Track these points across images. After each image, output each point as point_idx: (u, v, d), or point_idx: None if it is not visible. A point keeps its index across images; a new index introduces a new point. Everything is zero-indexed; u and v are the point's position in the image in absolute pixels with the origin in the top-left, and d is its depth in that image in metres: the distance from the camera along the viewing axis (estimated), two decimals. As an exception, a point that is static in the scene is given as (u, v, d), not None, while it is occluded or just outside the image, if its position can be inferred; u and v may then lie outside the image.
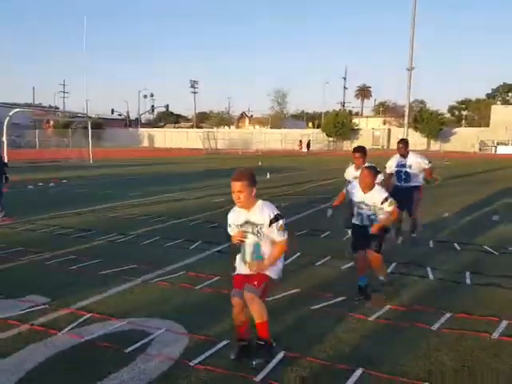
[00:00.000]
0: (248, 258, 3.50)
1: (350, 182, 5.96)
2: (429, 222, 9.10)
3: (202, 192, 13.94)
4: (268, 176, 19.09)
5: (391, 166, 7.55)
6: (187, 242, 7.14)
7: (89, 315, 4.28)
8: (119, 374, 3.24)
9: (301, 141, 55.56)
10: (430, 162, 7.48)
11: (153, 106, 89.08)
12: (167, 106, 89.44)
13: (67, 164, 27.63)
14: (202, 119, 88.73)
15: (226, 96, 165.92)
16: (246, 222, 3.46)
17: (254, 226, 3.43)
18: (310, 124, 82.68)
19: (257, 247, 3.47)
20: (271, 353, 3.46)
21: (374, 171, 4.86)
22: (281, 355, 3.49)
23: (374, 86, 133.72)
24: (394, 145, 56.30)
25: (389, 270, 5.70)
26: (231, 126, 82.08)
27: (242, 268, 3.58)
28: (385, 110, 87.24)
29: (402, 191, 7.15)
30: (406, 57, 52.81)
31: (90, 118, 39.42)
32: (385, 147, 55.61)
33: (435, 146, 53.90)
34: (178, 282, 5.26)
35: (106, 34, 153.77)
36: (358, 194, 4.88)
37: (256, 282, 3.40)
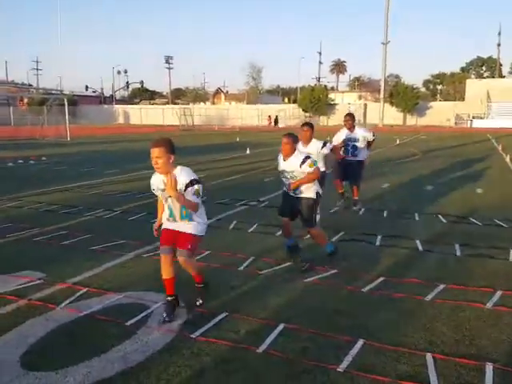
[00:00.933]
0: (176, 218, 3.91)
1: None
2: (412, 195, 9.33)
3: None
4: (248, 151, 19.10)
5: (339, 139, 7.82)
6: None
7: (85, 289, 4.30)
8: (122, 346, 3.29)
9: (269, 116, 55.72)
10: (373, 135, 8.00)
11: (127, 83, 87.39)
12: (142, 83, 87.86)
13: (44, 141, 27.02)
14: (178, 95, 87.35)
15: (201, 72, 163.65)
16: (164, 185, 3.77)
17: (181, 189, 3.74)
18: (286, 99, 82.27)
19: (184, 208, 3.85)
20: (207, 291, 4.12)
21: (293, 139, 4.98)
22: (280, 327, 3.56)
23: (348, 60, 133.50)
24: (370, 119, 57.04)
25: (378, 243, 5.86)
26: (207, 102, 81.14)
27: (168, 224, 3.98)
28: (360, 84, 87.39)
29: (348, 164, 7.73)
30: (381, 30, 52.94)
31: (65, 94, 38.46)
32: (361, 122, 55.96)
33: (411, 120, 54.45)
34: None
35: (80, 8, 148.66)
36: (280, 163, 5.10)
37: (189, 246, 3.85)
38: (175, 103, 77.07)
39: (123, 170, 13.41)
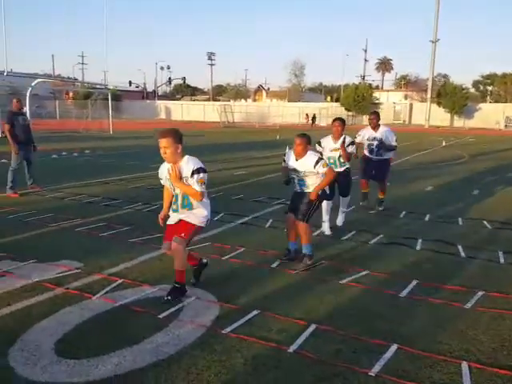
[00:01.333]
0: (178, 207, 4.01)
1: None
2: (457, 199, 9.02)
3: (221, 165, 13.93)
4: (287, 149, 18.98)
5: (363, 137, 7.69)
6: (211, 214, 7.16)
7: (120, 281, 4.36)
8: (154, 338, 3.31)
9: (307, 114, 55.31)
10: (396, 141, 7.60)
11: (170, 78, 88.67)
12: (184, 79, 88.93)
13: (88, 135, 27.81)
14: (219, 92, 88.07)
15: (243, 68, 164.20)
16: (175, 176, 3.86)
17: (181, 178, 3.86)
18: (328, 98, 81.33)
19: (186, 197, 3.94)
20: (183, 294, 4.02)
21: (306, 139, 5.05)
22: (313, 328, 3.50)
23: (395, 58, 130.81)
24: (415, 120, 55.60)
25: (418, 247, 5.70)
26: (248, 100, 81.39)
27: (172, 218, 4.10)
28: (406, 83, 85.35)
29: (373, 163, 7.64)
30: (431, 28, 51.42)
31: (109, 89, 39.45)
32: (406, 122, 54.68)
33: (459, 122, 52.60)
34: (205, 252, 5.31)
35: (125, 4, 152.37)
36: (290, 162, 5.18)
37: (183, 234, 3.93)
38: (216, 100, 77.77)
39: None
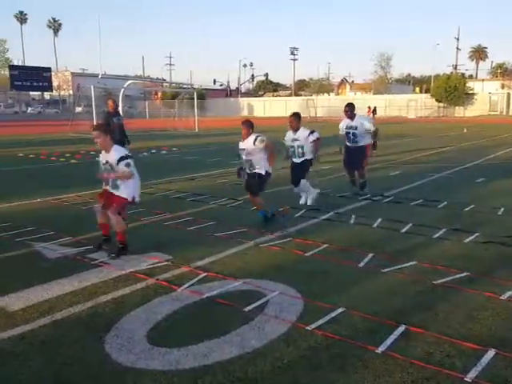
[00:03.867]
0: (109, 186, 5.15)
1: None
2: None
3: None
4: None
5: (341, 128, 8.51)
6: (293, 210, 7.15)
7: (206, 274, 4.47)
8: (240, 331, 3.35)
9: (369, 107, 53.47)
10: (374, 125, 8.40)
11: (252, 75, 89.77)
12: (266, 75, 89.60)
13: (175, 133, 28.95)
14: (301, 87, 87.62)
15: (326, 62, 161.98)
16: (106, 162, 5.05)
17: (110, 164, 4.98)
18: (417, 89, 77.73)
19: (115, 181, 5.06)
20: (125, 251, 4.99)
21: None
22: (402, 329, 3.35)
23: (490, 46, 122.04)
24: (513, 110, 51.13)
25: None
26: (331, 93, 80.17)
27: (107, 187, 5.21)
28: (503, 72, 79.43)
29: (351, 150, 8.37)
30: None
31: (195, 88, 40.77)
32: (503, 113, 50.86)
33: None
34: (287, 248, 5.30)
35: (210, 7, 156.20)
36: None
37: (115, 205, 4.96)
38: (298, 95, 77.50)
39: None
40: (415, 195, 8.16)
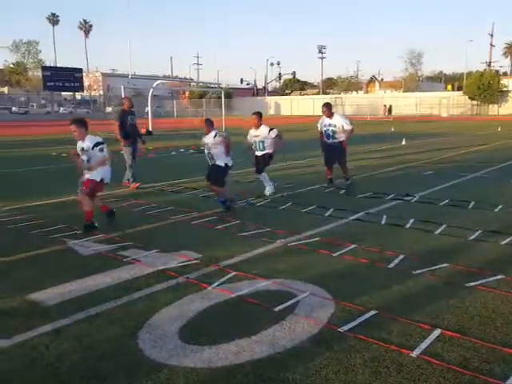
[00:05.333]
0: (84, 170, 6.01)
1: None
2: None
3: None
4: (403, 142, 18.19)
5: (319, 126, 9.21)
6: (320, 209, 7.10)
7: (234, 273, 4.47)
8: (271, 331, 3.34)
9: (385, 105, 52.71)
10: (351, 124, 8.90)
11: (280, 74, 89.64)
12: (294, 73, 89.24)
13: (203, 132, 29.11)
14: (329, 85, 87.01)
15: (355, 60, 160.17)
16: (82, 149, 5.99)
17: (85, 150, 5.93)
18: (449, 86, 76.05)
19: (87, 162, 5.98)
20: (94, 228, 5.91)
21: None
22: (437, 332, 3.28)
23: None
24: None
25: None
26: (359, 92, 79.31)
27: (85, 176, 6.03)
28: (540, 69, 76.90)
29: (330, 147, 9.00)
30: None
31: (222, 88, 41.00)
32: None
33: None
34: (315, 248, 5.26)
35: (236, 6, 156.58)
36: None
37: (84, 187, 5.94)
38: (326, 93, 76.97)
39: (275, 159, 13.62)
40: (449, 196, 7.99)
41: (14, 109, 61.25)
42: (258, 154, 8.42)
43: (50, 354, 3.07)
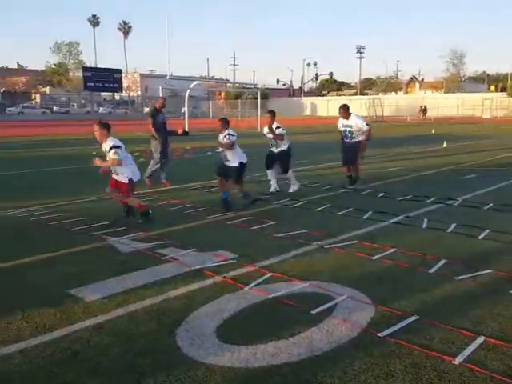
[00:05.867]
0: (113, 173, 6.42)
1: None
2: None
3: (370, 160, 13.51)
4: (445, 145, 17.73)
5: (338, 126, 9.47)
6: (358, 212, 7.00)
7: (270, 274, 4.45)
8: (308, 333, 3.30)
9: (421, 106, 51.47)
10: (367, 125, 9.18)
11: (316, 74, 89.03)
12: (331, 74, 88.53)
13: (238, 132, 29.22)
14: (367, 86, 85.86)
15: (394, 60, 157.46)
16: (104, 150, 6.29)
17: (106, 151, 6.24)
18: (492, 87, 73.62)
19: (114, 168, 6.36)
20: (148, 215, 6.44)
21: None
22: (480, 340, 3.17)
23: None
24: None
25: None
26: (399, 92, 77.88)
27: (114, 176, 6.46)
28: None
29: (347, 146, 9.30)
30: None
31: (258, 88, 41.04)
32: None
33: None
34: (353, 251, 5.18)
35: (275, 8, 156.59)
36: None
37: (122, 192, 6.40)
38: (364, 94, 75.96)
39: (313, 160, 13.54)
40: (493, 200, 7.72)
41: (55, 108, 63.11)
42: (275, 151, 8.92)
43: (91, 349, 3.14)
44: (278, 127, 8.66)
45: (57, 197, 8.29)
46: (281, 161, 8.83)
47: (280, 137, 8.72)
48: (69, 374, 2.86)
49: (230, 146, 7.35)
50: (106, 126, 6.31)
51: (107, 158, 6.23)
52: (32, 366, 2.94)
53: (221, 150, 7.49)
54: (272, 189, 8.79)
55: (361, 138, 9.11)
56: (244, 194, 7.56)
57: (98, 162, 6.30)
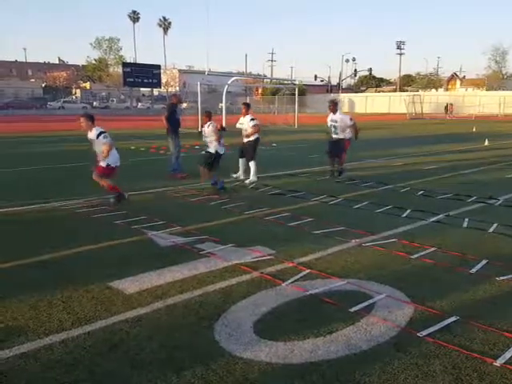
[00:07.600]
0: (99, 158, 7.19)
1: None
2: None
3: (408, 158, 13.28)
4: (486, 143, 17.20)
5: (327, 121, 10.10)
6: (397, 210, 6.89)
7: (308, 271, 4.46)
8: (346, 331, 3.29)
9: (447, 104, 49.91)
10: (351, 120, 9.86)
11: (355, 70, 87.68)
12: (370, 70, 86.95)
13: (275, 128, 29.23)
14: (407, 82, 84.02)
15: (435, 56, 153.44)
16: (90, 138, 7.14)
17: (92, 139, 7.11)
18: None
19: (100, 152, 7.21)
20: (119, 198, 7.34)
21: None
22: (523, 342, 3.08)
23: None
24: None
25: None
26: (439, 89, 75.86)
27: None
28: None
29: (333, 141, 9.97)
30: None
31: (296, 84, 40.79)
32: None
33: None
34: (392, 249, 5.11)
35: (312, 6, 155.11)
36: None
37: (97, 170, 7.19)
38: (403, 90, 74.39)
39: (349, 158, 13.37)
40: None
41: (94, 103, 64.62)
42: (245, 140, 9.68)
43: (130, 341, 3.21)
44: (252, 119, 9.47)
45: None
46: (246, 150, 9.59)
47: (256, 128, 9.45)
48: (108, 365, 2.93)
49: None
50: (90, 118, 7.24)
51: (95, 145, 7.15)
52: (72, 357, 3.02)
53: (204, 138, 8.46)
54: (238, 174, 9.78)
55: (348, 135, 9.94)
56: (214, 181, 8.48)
57: (100, 163, 7.19)
